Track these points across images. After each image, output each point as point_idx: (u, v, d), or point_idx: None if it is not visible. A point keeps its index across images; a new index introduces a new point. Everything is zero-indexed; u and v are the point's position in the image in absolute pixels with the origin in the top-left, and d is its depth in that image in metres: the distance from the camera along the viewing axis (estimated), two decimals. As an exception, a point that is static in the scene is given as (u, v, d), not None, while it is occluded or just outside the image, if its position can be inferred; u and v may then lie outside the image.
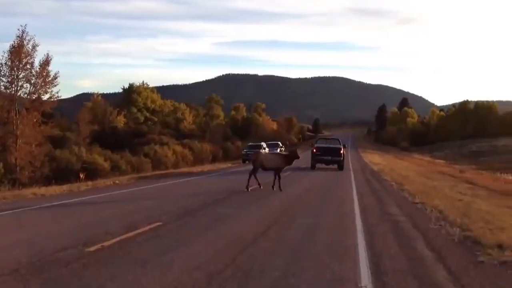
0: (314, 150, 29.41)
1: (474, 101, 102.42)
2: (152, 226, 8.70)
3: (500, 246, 7.40)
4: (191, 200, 13.08)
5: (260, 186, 15.76)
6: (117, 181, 20.38)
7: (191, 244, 7.35)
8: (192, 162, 49.02)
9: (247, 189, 15.53)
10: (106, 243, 7.12)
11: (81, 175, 29.09)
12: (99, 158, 35.83)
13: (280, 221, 9.86)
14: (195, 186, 19.24)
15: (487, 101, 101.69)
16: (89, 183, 19.26)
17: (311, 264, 6.25)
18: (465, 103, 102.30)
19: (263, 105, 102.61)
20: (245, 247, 7.07)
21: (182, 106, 77.99)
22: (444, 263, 6.57)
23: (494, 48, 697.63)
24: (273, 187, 15.61)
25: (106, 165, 35.52)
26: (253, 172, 16.02)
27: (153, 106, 72.59)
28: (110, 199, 13.58)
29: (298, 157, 16.39)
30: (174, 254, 6.62)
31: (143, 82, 73.40)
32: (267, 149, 38.90)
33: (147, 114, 70.60)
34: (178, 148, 50.62)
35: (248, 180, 15.74)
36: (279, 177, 15.73)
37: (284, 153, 16.85)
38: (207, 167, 36.68)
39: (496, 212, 13.28)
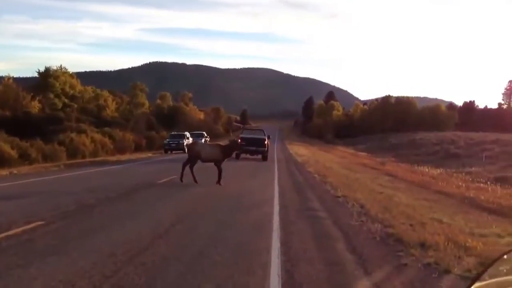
0: (239, 141, 28.65)
1: (395, 96, 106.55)
2: (29, 226, 7.24)
3: (422, 245, 6.98)
4: (92, 193, 11.55)
5: (195, 180, 14.15)
6: (15, 171, 18.18)
7: (70, 250, 6.00)
8: (112, 151, 46.79)
9: (181, 180, 14.30)
10: (-44, 252, 5.64)
11: (-22, 165, 26.22)
12: (5, 145, 32.93)
13: (186, 219, 8.66)
14: (103, 177, 17.53)
15: (407, 97, 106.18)
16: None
17: (212, 274, 5.20)
18: (386, 98, 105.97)
19: (190, 95, 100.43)
20: (136, 254, 5.86)
21: (105, 93, 74.16)
22: (365, 268, 5.80)
23: (415, 47, 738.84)
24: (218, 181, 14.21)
25: (13, 153, 32.73)
26: (187, 163, 14.69)
27: (72, 92, 68.23)
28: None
29: (238, 148, 15.26)
30: (42, 265, 5.29)
31: (61, 66, 68.75)
32: (190, 139, 37.72)
33: (66, 100, 66.19)
34: (98, 136, 48.10)
35: (182, 171, 14.51)
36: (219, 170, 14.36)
37: (223, 143, 15.67)
38: (126, 156, 34.83)
39: (416, 205, 13.14)
